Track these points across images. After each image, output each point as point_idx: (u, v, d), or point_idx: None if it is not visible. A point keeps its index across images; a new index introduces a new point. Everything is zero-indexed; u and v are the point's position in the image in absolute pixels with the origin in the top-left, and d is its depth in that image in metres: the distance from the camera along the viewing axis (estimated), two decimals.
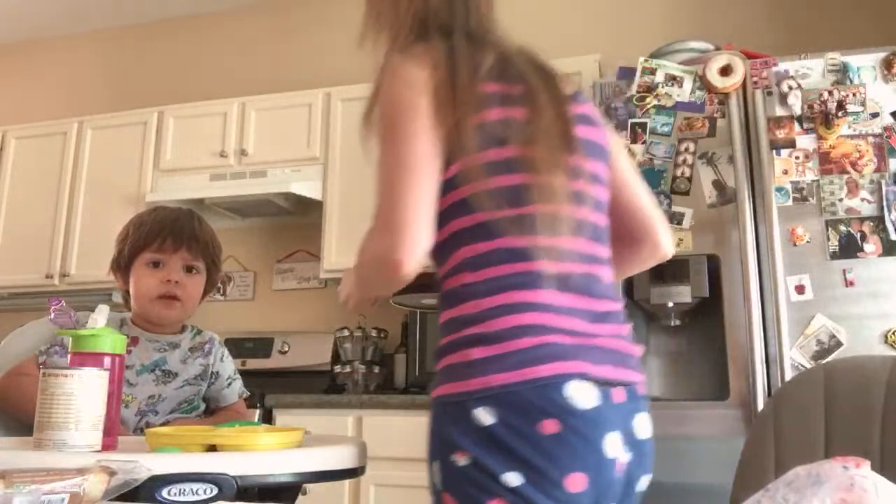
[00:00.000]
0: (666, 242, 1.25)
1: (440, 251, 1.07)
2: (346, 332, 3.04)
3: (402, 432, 2.46)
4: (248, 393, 1.75)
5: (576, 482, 0.95)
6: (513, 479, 0.95)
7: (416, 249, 1.01)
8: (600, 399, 0.98)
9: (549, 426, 0.95)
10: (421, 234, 1.02)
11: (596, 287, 1.07)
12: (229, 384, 1.68)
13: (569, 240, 1.05)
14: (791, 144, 2.16)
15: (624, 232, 1.22)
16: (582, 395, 0.97)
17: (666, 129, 2.27)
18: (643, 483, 1.08)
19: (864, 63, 2.15)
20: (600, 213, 1.13)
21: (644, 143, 2.27)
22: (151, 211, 1.66)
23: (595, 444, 0.97)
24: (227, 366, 1.69)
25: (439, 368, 1.04)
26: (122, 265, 1.61)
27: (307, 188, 3.12)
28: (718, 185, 2.19)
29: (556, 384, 0.96)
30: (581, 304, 1.04)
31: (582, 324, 1.02)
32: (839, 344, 2.00)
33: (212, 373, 1.64)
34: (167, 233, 1.57)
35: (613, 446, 0.99)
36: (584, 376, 0.98)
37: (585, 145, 1.12)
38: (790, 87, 2.18)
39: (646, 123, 2.28)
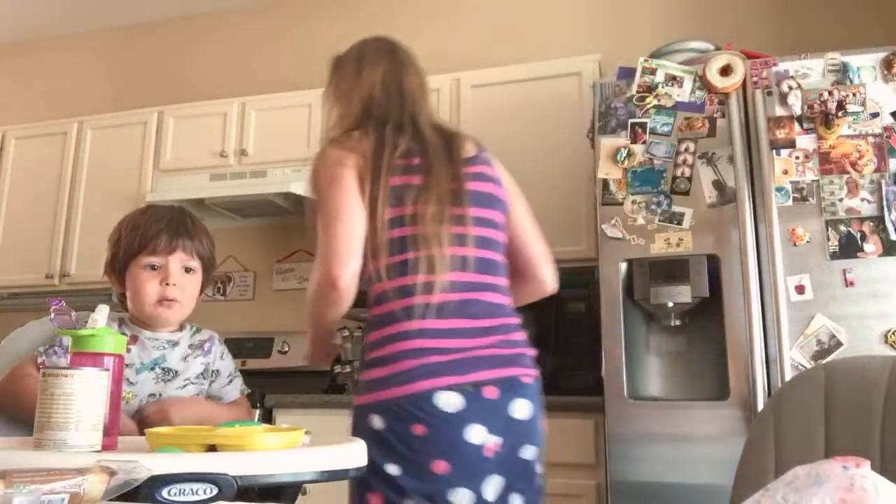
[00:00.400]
0: (548, 280, 1.56)
1: (366, 288, 1.38)
2: (345, 332, 3.04)
3: None
4: (249, 390, 1.75)
5: (438, 466, 1.27)
6: (392, 469, 1.27)
7: (348, 267, 1.32)
8: (465, 402, 1.28)
9: (418, 429, 1.27)
10: (350, 257, 1.33)
11: (477, 308, 1.37)
12: (230, 381, 1.68)
13: (448, 274, 1.34)
14: (791, 144, 2.16)
15: (517, 269, 1.52)
16: (448, 401, 1.28)
17: (666, 129, 2.27)
18: (528, 452, 1.36)
19: (864, 63, 2.15)
20: (487, 249, 1.41)
21: (644, 143, 2.27)
22: (143, 212, 1.63)
23: (455, 437, 1.27)
24: (228, 363, 1.69)
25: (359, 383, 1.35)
26: (116, 268, 1.60)
27: (307, 188, 3.12)
28: (718, 185, 2.19)
29: (428, 396, 1.27)
30: (460, 325, 1.33)
31: (460, 341, 1.32)
32: (839, 344, 2.00)
33: (213, 371, 1.64)
34: (162, 235, 1.56)
35: (477, 435, 1.29)
36: (450, 387, 1.28)
37: (476, 196, 1.42)
38: (790, 87, 2.18)
39: (646, 123, 2.28)
